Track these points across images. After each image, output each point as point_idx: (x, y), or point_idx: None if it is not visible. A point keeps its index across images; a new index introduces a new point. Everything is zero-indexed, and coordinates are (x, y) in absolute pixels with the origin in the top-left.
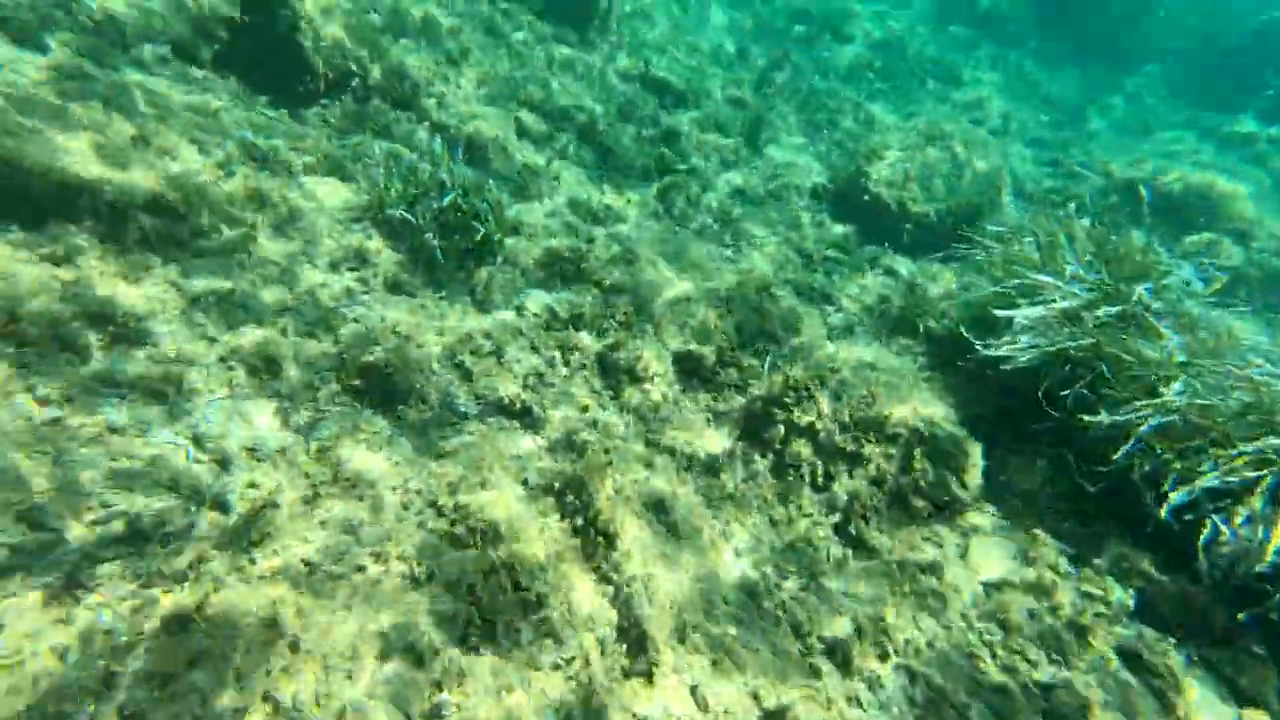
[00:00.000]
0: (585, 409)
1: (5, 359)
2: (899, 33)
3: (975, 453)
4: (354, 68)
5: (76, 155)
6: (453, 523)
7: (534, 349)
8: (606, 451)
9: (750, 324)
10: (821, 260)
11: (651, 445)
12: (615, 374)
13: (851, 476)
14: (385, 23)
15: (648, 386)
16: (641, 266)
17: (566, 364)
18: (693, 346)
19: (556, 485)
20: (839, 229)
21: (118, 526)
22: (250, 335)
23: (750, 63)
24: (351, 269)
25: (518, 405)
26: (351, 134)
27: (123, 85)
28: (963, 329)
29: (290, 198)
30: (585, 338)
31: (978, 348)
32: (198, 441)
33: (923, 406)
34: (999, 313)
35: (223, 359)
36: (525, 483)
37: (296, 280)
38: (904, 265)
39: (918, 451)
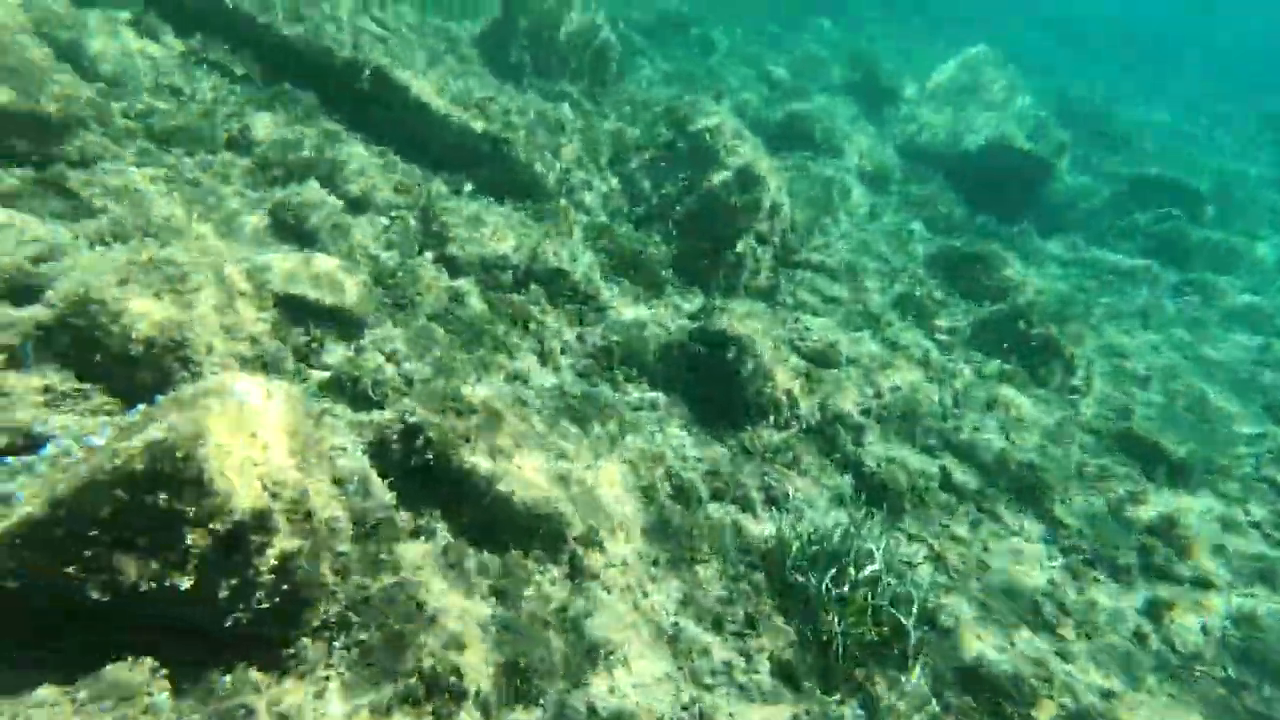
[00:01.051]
0: None
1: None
2: None
3: None
4: (785, 400)
5: (546, 487)
6: None
7: None
8: None
9: None
10: None
11: None
12: None
13: None
14: (821, 355)
15: None
16: None
17: None
18: None
19: None
20: None
21: None
22: None
23: None
24: (736, 633)
25: None
26: (774, 464)
27: (601, 404)
28: None
29: (694, 537)
30: None
31: None
32: None
33: None
34: None
35: None
36: None
37: (677, 643)
38: None
39: None
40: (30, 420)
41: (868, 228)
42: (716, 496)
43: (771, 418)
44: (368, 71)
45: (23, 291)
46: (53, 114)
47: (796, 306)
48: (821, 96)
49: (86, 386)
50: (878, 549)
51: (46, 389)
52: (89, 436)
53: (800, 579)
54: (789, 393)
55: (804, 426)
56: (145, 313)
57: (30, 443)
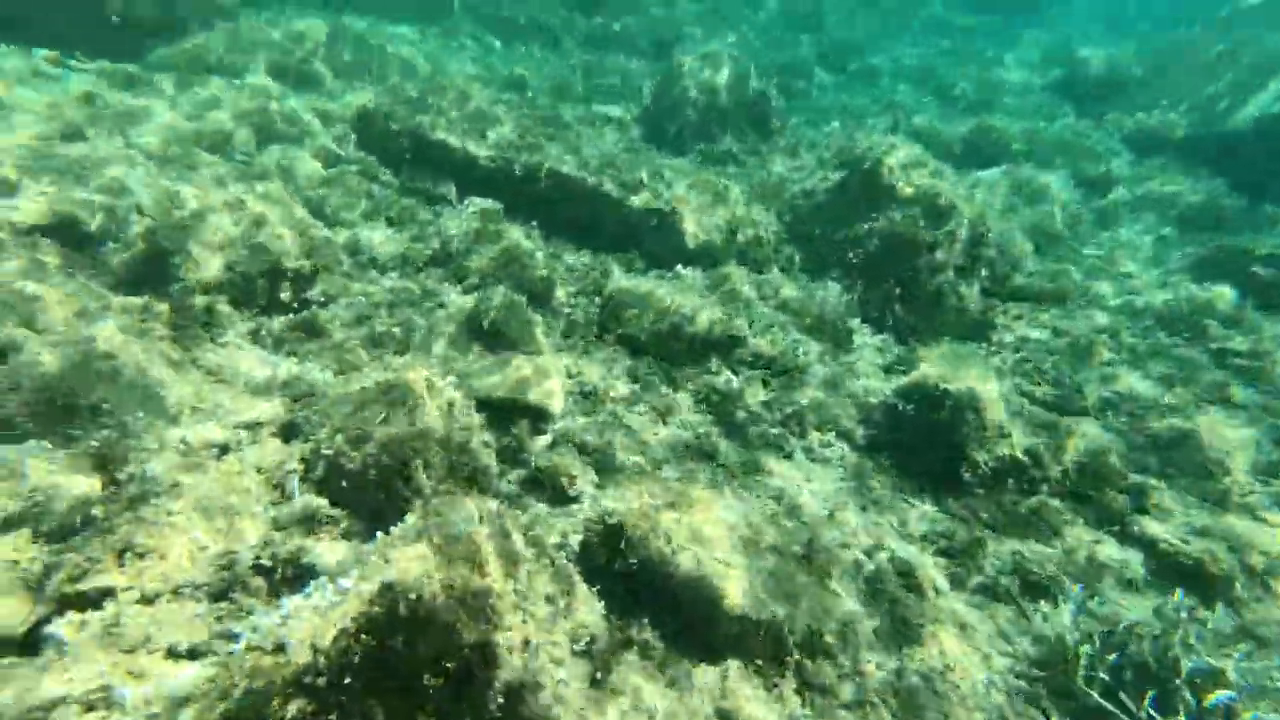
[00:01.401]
0: None
1: None
2: None
3: None
4: (1026, 460)
5: (759, 588)
6: None
7: None
8: None
9: None
10: None
11: None
12: None
13: None
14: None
15: None
16: None
17: None
18: None
19: None
20: None
21: None
22: None
23: None
24: None
25: None
26: (1008, 538)
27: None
28: None
29: (926, 632)
30: None
31: None
32: None
33: None
34: None
35: None
36: None
37: None
38: None
39: None
40: (298, 549)
41: (1098, 239)
42: (957, 583)
43: (1010, 481)
44: (543, 174)
45: (289, 427)
46: (306, 266)
47: (1018, 345)
48: (1013, 101)
49: (336, 512)
50: (1231, 665)
51: (307, 517)
52: (341, 579)
53: (1098, 699)
54: (1030, 451)
55: (1052, 490)
56: (371, 435)
57: (298, 572)
